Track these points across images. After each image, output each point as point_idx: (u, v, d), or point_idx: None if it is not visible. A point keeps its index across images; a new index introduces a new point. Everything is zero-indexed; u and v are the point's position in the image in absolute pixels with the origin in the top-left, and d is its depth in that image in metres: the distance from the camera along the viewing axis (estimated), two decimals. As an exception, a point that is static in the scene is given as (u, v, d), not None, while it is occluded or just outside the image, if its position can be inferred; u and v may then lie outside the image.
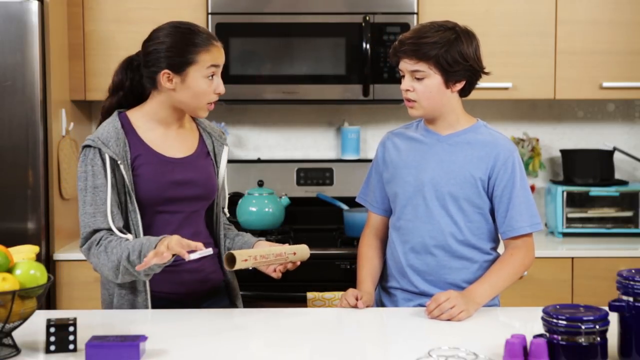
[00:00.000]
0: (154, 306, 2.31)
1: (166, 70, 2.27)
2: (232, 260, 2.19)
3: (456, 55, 2.29)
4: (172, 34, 2.28)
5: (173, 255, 2.09)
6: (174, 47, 2.26)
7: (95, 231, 2.23)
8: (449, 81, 2.32)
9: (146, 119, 2.34)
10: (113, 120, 2.32)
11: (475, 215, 2.38)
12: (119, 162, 2.25)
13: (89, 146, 2.27)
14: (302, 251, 2.36)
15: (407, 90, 2.34)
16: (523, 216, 2.36)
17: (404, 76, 2.36)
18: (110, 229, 2.23)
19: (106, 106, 2.39)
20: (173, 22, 2.34)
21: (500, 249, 2.46)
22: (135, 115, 2.35)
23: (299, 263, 2.37)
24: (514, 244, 2.38)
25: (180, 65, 2.26)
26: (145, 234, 2.28)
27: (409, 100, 2.36)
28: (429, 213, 2.38)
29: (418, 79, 2.32)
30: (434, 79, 2.31)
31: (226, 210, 2.52)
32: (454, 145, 2.39)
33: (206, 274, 2.40)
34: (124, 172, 2.25)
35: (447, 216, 2.37)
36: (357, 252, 2.57)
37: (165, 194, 2.31)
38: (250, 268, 2.27)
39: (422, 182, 2.38)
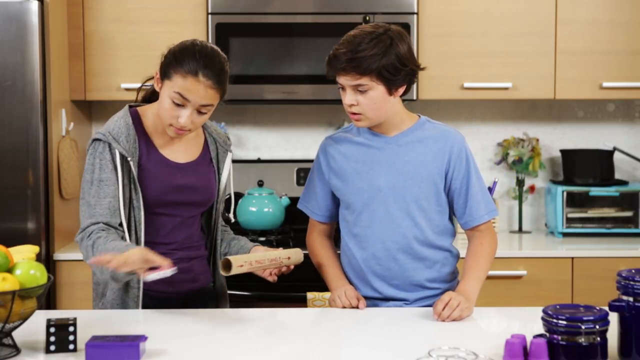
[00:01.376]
0: (143, 304, 2.32)
1: (157, 71, 2.28)
2: (228, 265, 2.17)
3: (395, 62, 2.24)
4: (180, 45, 2.26)
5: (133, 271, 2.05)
6: (169, 55, 2.25)
7: (93, 224, 2.22)
8: (391, 88, 2.28)
9: (154, 120, 2.34)
10: (124, 116, 2.31)
11: (435, 213, 2.38)
12: (128, 158, 2.25)
13: (98, 140, 2.27)
14: (296, 255, 2.36)
15: (352, 104, 2.29)
16: (480, 205, 2.37)
17: (343, 88, 2.30)
18: (107, 223, 2.22)
19: (146, 93, 2.44)
20: (202, 40, 2.29)
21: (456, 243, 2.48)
22: (145, 114, 2.36)
23: (292, 267, 2.37)
24: (479, 233, 2.40)
25: (163, 73, 2.25)
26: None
27: (354, 113, 2.31)
28: (389, 218, 2.36)
29: (361, 92, 2.27)
30: (377, 89, 2.26)
31: (231, 215, 2.51)
32: (403, 145, 2.36)
33: (195, 274, 2.40)
34: (132, 169, 2.25)
35: (408, 218, 2.35)
36: (310, 255, 2.54)
37: (166, 197, 2.31)
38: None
39: (378, 187, 2.35)
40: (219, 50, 2.28)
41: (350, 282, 2.44)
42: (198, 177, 2.37)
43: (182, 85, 2.19)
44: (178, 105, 2.21)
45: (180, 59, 2.21)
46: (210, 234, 2.46)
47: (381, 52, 2.23)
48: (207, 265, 2.46)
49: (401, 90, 2.31)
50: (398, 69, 2.25)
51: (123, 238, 2.23)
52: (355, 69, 2.24)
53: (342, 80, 2.29)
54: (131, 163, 2.25)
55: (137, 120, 2.33)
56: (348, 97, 2.29)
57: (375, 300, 2.41)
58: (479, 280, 2.33)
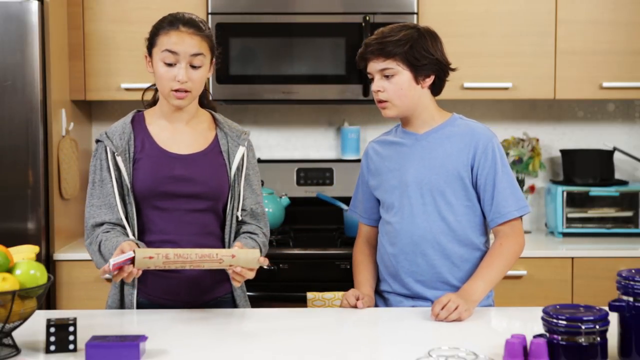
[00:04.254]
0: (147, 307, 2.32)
1: (146, 53, 2.35)
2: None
3: (422, 51, 2.32)
4: (156, 22, 2.35)
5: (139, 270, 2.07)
6: (151, 31, 2.33)
7: (98, 225, 2.27)
8: (418, 76, 2.34)
9: (157, 116, 2.38)
10: (126, 117, 2.38)
11: (463, 209, 2.37)
12: (116, 154, 2.28)
13: (98, 140, 2.34)
14: (245, 255, 2.10)
15: (378, 91, 2.35)
16: (509, 201, 2.35)
17: (372, 79, 2.37)
18: (110, 222, 2.27)
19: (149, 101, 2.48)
20: None
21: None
22: (149, 113, 2.40)
23: (239, 269, 2.12)
24: (502, 232, 2.37)
25: (149, 47, 2.33)
26: (145, 228, 2.31)
27: (380, 101, 2.37)
28: (416, 212, 2.37)
29: (387, 77, 2.33)
30: (403, 75, 2.33)
31: (239, 213, 2.36)
32: (432, 141, 2.39)
33: (211, 283, 2.35)
34: (121, 165, 2.27)
35: (434, 212, 2.37)
36: (352, 261, 2.56)
37: (161, 188, 2.29)
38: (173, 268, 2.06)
39: (406, 182, 2.38)
40: None
41: (383, 279, 2.47)
42: (202, 169, 2.32)
43: (168, 41, 2.27)
44: (171, 65, 2.26)
45: (159, 26, 2.30)
46: (223, 233, 2.38)
47: (407, 39, 2.32)
48: (224, 274, 2.33)
49: (429, 81, 2.36)
50: (424, 56, 2.32)
51: (126, 234, 2.27)
52: (381, 52, 2.32)
53: (371, 66, 2.36)
54: (119, 159, 2.27)
55: (139, 119, 2.37)
56: (375, 84, 2.36)
57: (404, 297, 2.42)
58: (488, 282, 2.31)
